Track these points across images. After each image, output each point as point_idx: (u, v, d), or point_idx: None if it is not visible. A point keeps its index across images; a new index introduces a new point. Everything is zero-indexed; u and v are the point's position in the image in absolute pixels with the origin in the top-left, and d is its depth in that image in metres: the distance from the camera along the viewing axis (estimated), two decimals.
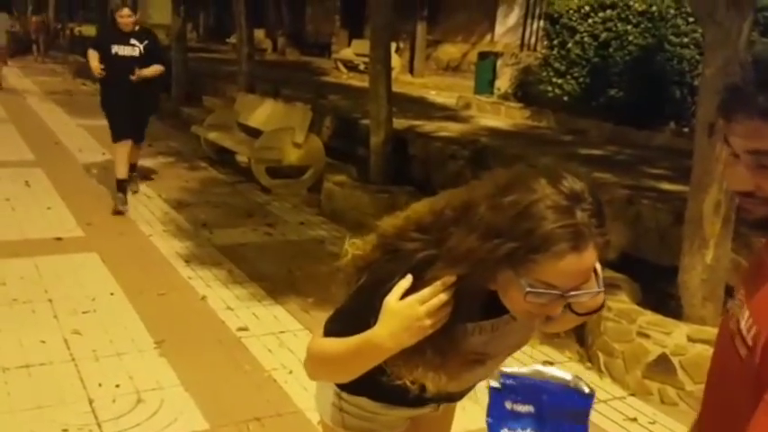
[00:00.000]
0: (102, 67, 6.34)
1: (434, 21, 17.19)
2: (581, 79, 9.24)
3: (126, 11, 6.43)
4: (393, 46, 10.64)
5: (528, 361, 3.73)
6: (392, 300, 1.31)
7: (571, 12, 9.43)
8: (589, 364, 3.93)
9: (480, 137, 8.03)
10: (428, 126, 8.58)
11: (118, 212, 6.21)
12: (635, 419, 3.39)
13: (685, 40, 8.31)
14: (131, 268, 4.96)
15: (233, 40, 17.40)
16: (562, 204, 1.17)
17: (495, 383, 1.26)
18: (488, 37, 15.96)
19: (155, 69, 6.52)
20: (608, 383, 3.74)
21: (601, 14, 9.05)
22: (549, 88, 9.63)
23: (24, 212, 6.14)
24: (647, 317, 3.69)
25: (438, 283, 1.28)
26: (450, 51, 17.26)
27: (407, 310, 1.29)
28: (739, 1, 3.52)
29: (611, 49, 8.84)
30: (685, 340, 3.51)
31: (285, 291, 4.71)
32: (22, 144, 9.10)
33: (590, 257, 1.20)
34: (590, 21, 9.16)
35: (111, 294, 4.48)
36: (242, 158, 8.41)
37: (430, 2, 16.95)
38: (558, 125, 9.54)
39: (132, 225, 6.03)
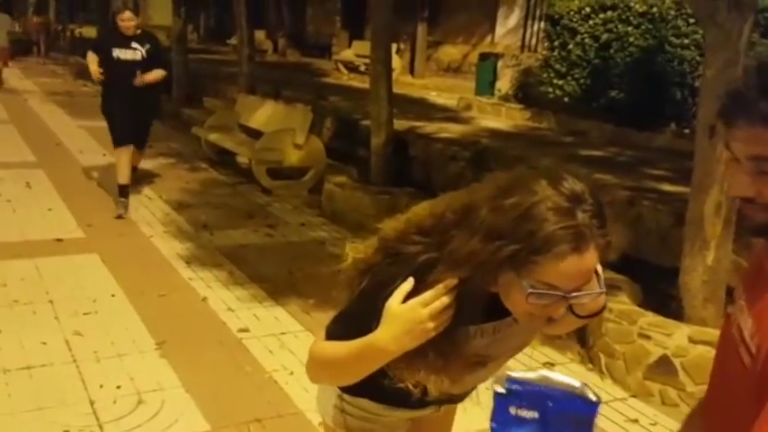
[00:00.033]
0: (102, 71, 6.26)
1: (435, 22, 17.18)
2: (582, 80, 9.24)
3: (128, 14, 6.32)
4: (394, 47, 10.62)
5: (528, 362, 3.73)
6: (394, 303, 1.31)
7: (572, 13, 9.43)
8: (590, 366, 3.93)
9: (481, 138, 8.02)
10: (429, 127, 8.58)
11: (120, 217, 6.19)
12: (636, 421, 3.39)
13: (686, 41, 8.30)
14: (132, 269, 4.97)
15: (233, 41, 17.40)
16: (563, 206, 1.18)
17: (499, 389, 1.25)
18: (489, 38, 15.96)
19: (157, 74, 6.44)
20: (609, 385, 3.74)
21: (601, 16, 9.05)
22: (550, 89, 9.63)
23: (25, 214, 6.15)
24: (649, 318, 3.69)
25: (440, 286, 1.28)
26: (450, 52, 17.26)
27: (410, 314, 1.29)
28: (740, 2, 3.52)
29: (611, 51, 8.84)
30: (686, 341, 3.51)
31: (286, 292, 4.71)
32: (23, 145, 9.11)
33: (591, 258, 1.20)
34: (591, 22, 9.16)
35: (112, 295, 4.49)
36: (243, 160, 8.41)
37: (430, 3, 16.95)
38: (559, 126, 9.53)
39: (133, 226, 6.04)
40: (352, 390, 1.57)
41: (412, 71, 17.16)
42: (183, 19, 12.80)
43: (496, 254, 1.19)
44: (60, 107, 12.67)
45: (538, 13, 13.94)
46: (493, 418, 1.26)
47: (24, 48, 23.05)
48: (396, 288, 1.32)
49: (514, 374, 1.26)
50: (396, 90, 7.55)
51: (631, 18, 8.77)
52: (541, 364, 3.83)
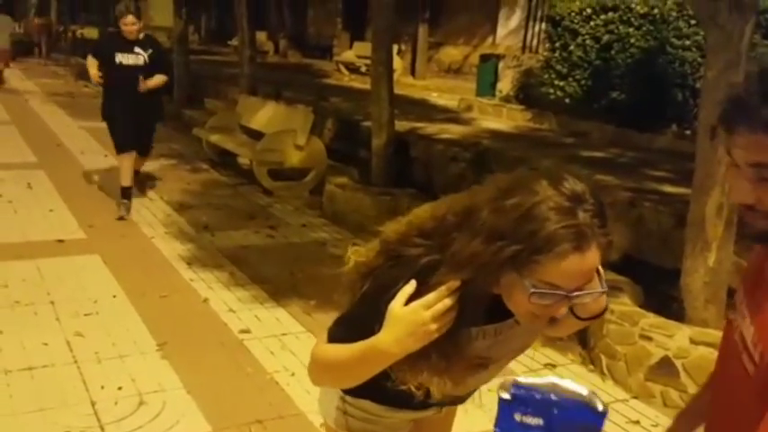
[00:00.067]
0: (101, 74, 6.21)
1: (436, 23, 17.19)
2: (583, 82, 9.24)
3: (131, 18, 6.17)
4: (395, 48, 10.61)
5: (530, 363, 3.73)
6: (397, 305, 1.31)
7: (573, 14, 9.43)
8: (591, 367, 3.93)
9: (482, 139, 8.02)
10: (430, 128, 8.58)
11: (121, 219, 6.18)
12: (638, 422, 3.39)
13: (687, 42, 8.29)
14: (133, 270, 4.97)
15: (235, 42, 17.43)
16: (564, 205, 1.18)
17: (505, 394, 1.24)
18: (490, 39, 15.96)
19: (159, 80, 6.33)
20: (610, 386, 3.74)
21: (602, 17, 9.04)
22: (551, 90, 9.63)
23: (26, 215, 6.15)
24: (650, 319, 3.69)
25: (442, 288, 1.28)
26: (451, 53, 17.27)
27: (412, 316, 1.29)
28: (741, 4, 3.52)
29: (612, 52, 8.83)
30: (688, 343, 3.51)
31: (287, 293, 4.71)
32: (25, 146, 9.12)
33: (593, 257, 1.21)
34: (592, 23, 9.16)
35: (114, 296, 4.49)
36: (244, 161, 8.41)
37: (432, 4, 16.96)
38: (560, 127, 9.53)
39: (134, 227, 6.04)
40: (355, 391, 1.57)
41: (413, 72, 17.17)
42: (184, 20, 12.81)
43: (498, 254, 1.20)
44: (61, 108, 12.68)
45: (539, 14, 13.94)
46: (497, 424, 1.25)
47: (26, 49, 23.06)
48: (398, 290, 1.31)
49: (522, 380, 1.25)
50: (397, 91, 7.55)
51: (632, 19, 8.76)
52: (542, 365, 3.83)
